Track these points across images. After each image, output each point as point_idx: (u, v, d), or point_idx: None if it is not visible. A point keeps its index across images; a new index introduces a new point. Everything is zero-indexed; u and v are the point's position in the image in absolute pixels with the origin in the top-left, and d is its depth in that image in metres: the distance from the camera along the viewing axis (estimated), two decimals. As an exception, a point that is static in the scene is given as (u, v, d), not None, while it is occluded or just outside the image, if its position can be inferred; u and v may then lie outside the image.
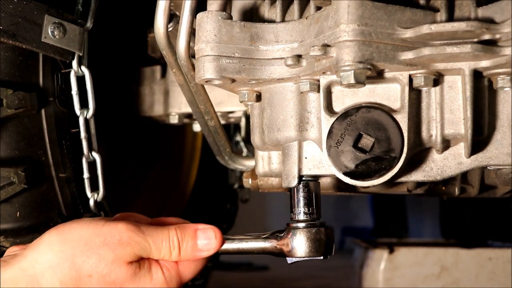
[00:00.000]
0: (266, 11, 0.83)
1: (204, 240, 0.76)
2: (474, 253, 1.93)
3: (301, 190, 0.80)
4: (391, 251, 1.95)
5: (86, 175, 1.02)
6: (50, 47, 0.93)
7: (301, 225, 0.78)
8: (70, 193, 1.00)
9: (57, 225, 0.75)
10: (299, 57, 0.76)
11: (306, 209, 0.79)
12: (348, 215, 4.65)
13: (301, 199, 0.79)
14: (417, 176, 0.79)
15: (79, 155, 1.02)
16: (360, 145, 0.74)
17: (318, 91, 0.77)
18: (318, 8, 0.77)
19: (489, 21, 0.70)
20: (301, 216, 0.79)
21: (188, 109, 1.32)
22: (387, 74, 0.74)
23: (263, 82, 0.80)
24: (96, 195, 1.04)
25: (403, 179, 0.79)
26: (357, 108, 0.75)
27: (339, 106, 0.78)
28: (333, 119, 0.75)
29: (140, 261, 0.74)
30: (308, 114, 0.79)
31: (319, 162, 0.80)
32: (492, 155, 0.77)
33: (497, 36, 0.69)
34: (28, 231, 0.94)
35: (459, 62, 0.72)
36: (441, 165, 0.78)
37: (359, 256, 2.09)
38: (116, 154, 1.48)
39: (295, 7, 0.81)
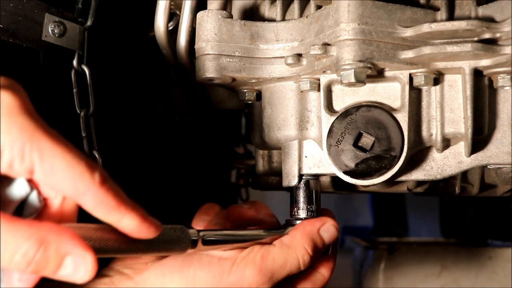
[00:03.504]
0: (266, 10, 0.83)
1: (328, 236, 0.76)
2: (474, 252, 1.93)
3: (301, 188, 0.80)
4: (391, 250, 1.95)
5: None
6: (51, 46, 0.93)
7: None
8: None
9: (177, 262, 0.68)
10: (299, 56, 0.76)
11: (306, 206, 0.79)
12: (348, 214, 4.64)
13: (301, 197, 0.79)
14: (417, 175, 0.79)
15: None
16: (360, 144, 0.74)
17: (319, 90, 0.77)
18: (319, 7, 0.77)
19: (490, 20, 0.69)
20: (301, 213, 0.79)
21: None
22: (388, 73, 0.74)
23: (263, 81, 0.80)
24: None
25: (403, 178, 0.79)
26: (357, 107, 0.75)
27: (339, 105, 0.78)
28: (333, 118, 0.75)
29: None
30: (308, 113, 0.79)
31: (319, 161, 0.80)
32: (492, 154, 0.77)
33: (497, 35, 0.69)
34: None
35: (460, 61, 0.72)
36: (441, 164, 0.78)
37: (359, 255, 2.09)
38: (116, 153, 1.48)
39: (295, 6, 0.81)
